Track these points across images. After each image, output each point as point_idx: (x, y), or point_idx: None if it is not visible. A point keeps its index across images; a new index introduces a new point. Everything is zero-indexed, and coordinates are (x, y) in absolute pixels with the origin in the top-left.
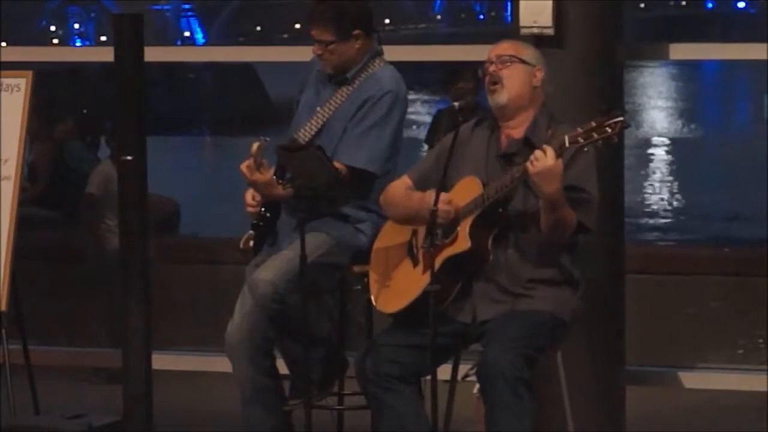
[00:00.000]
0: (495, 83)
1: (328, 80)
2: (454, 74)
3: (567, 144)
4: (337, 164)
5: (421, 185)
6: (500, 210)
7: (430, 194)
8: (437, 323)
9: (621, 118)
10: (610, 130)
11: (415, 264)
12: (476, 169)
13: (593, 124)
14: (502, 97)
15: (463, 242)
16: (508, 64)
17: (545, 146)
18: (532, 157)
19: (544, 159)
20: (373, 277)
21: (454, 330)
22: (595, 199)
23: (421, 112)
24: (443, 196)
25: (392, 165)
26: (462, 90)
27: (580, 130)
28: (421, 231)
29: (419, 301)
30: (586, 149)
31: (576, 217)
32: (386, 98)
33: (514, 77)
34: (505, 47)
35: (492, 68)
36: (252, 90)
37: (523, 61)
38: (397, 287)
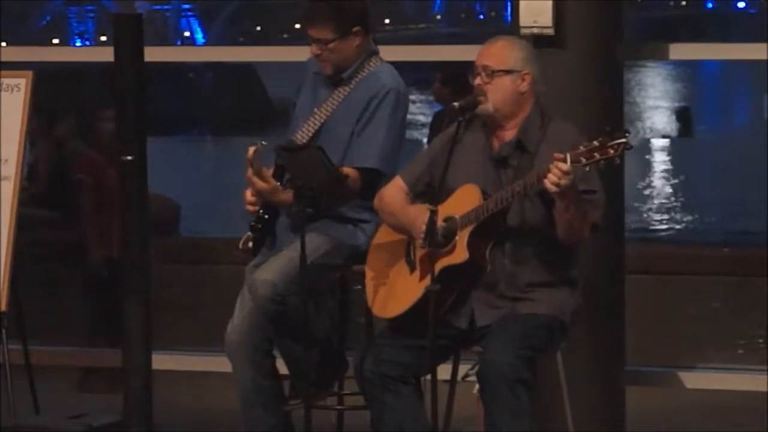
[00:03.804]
0: (481, 95)
1: (325, 81)
2: (433, 73)
3: (568, 163)
4: (347, 169)
5: (416, 188)
6: (498, 220)
7: (423, 214)
8: (435, 328)
9: (624, 140)
10: (612, 152)
11: (412, 270)
12: (470, 172)
13: (596, 143)
14: (487, 108)
15: (461, 253)
16: (493, 77)
17: (559, 164)
18: (554, 179)
19: (567, 178)
20: (369, 275)
21: (452, 333)
22: (602, 196)
23: (414, 112)
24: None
25: (396, 162)
26: (439, 91)
27: (582, 148)
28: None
29: (417, 306)
30: (587, 168)
31: (591, 216)
32: (390, 96)
33: (498, 91)
34: (491, 55)
35: (477, 81)
36: (252, 90)
37: (508, 72)
38: (394, 292)
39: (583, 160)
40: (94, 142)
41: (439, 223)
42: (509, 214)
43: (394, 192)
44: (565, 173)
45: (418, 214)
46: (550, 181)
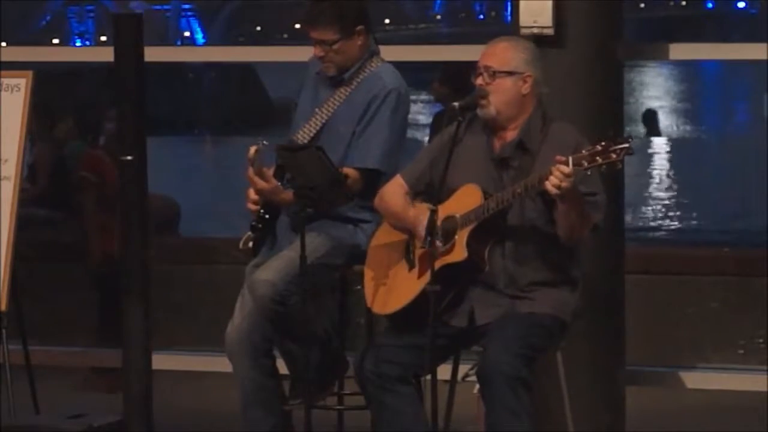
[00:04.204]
0: (482, 97)
1: (326, 81)
2: (432, 73)
3: (570, 166)
4: (348, 170)
5: (416, 187)
6: (498, 221)
7: (425, 213)
8: (436, 323)
9: (627, 145)
10: (614, 156)
11: (411, 267)
12: (471, 172)
13: (598, 147)
14: (489, 111)
15: (460, 252)
16: (495, 78)
17: (560, 167)
18: (555, 182)
19: (569, 180)
20: (369, 275)
21: (452, 332)
22: (604, 197)
23: (414, 112)
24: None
25: (397, 162)
26: (438, 90)
27: (585, 152)
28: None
29: (415, 304)
30: (589, 172)
31: (593, 217)
32: (391, 97)
33: (500, 92)
34: (493, 56)
35: (480, 81)
36: (252, 90)
37: (510, 73)
38: (393, 290)
39: (585, 164)
40: (95, 141)
41: (439, 222)
42: (510, 214)
43: (394, 191)
44: (567, 176)
45: (420, 214)
46: (552, 184)
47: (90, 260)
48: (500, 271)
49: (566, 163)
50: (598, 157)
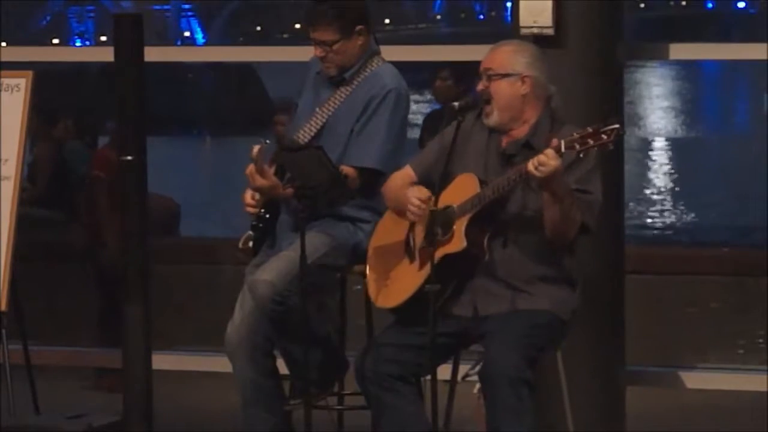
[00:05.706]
0: (487, 102)
1: (327, 81)
2: (431, 73)
3: (563, 149)
4: (346, 168)
5: (424, 178)
6: (496, 209)
7: (420, 190)
8: (437, 321)
9: (617, 126)
10: (605, 137)
11: (412, 260)
12: (476, 166)
13: (589, 130)
14: (492, 119)
15: (458, 242)
16: (491, 80)
17: (546, 150)
18: (535, 162)
19: (549, 163)
20: (371, 276)
21: (453, 329)
22: (599, 199)
23: (414, 112)
24: (418, 192)
25: (397, 162)
26: (439, 89)
27: (576, 135)
28: (419, 229)
29: (418, 299)
30: (582, 155)
31: (580, 216)
32: (390, 96)
33: (498, 95)
34: (493, 59)
35: (480, 85)
36: (252, 90)
37: (505, 75)
38: (395, 284)
39: (578, 146)
40: (94, 142)
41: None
42: (511, 205)
43: (402, 177)
44: (550, 158)
45: (414, 188)
46: (532, 164)
47: (103, 258)
48: (502, 264)
49: (558, 147)
50: (589, 140)
